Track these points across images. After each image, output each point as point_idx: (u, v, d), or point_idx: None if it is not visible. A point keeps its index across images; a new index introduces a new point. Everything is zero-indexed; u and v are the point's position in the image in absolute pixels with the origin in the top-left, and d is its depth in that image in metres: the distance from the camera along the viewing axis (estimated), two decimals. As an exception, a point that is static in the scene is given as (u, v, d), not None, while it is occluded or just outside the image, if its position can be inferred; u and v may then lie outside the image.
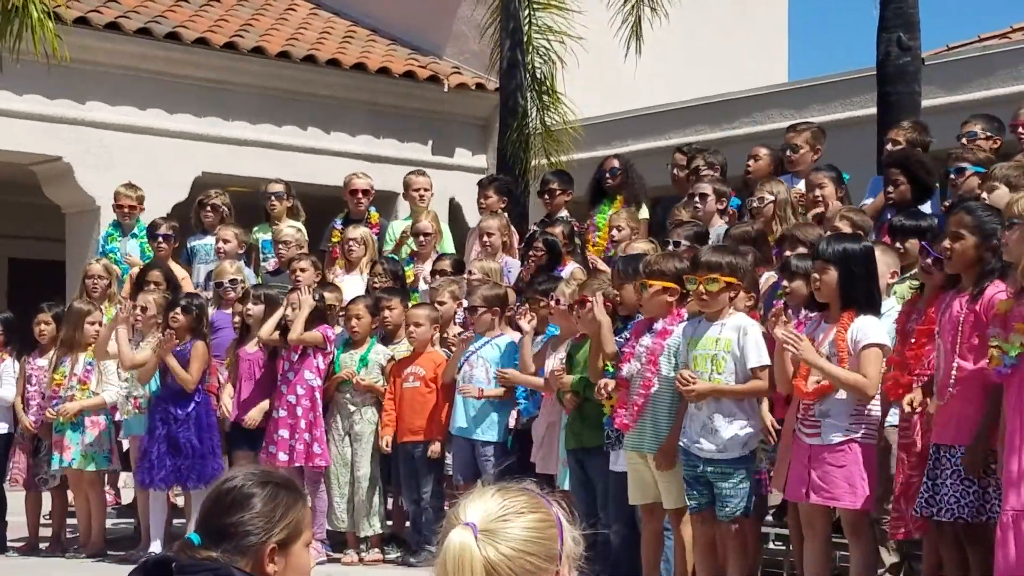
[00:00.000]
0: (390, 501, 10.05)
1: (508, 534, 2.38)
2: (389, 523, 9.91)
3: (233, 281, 10.41)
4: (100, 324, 10.14)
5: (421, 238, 11.00)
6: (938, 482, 6.20)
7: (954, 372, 6.19)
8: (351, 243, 10.88)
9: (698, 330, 7.14)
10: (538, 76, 14.40)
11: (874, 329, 6.57)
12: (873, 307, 6.64)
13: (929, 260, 6.64)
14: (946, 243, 6.33)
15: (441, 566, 2.37)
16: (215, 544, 2.95)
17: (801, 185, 9.50)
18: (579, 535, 2.49)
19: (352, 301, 9.80)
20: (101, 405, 10.06)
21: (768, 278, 8.26)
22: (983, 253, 6.23)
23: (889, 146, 9.36)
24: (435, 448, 9.29)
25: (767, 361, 6.95)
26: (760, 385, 6.98)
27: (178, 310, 9.71)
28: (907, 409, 6.49)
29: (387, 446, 9.42)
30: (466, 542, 2.36)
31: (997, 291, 6.10)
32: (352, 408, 9.62)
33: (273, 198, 11.69)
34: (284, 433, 9.56)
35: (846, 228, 7.76)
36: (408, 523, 9.68)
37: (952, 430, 6.21)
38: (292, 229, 11.26)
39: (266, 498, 3.00)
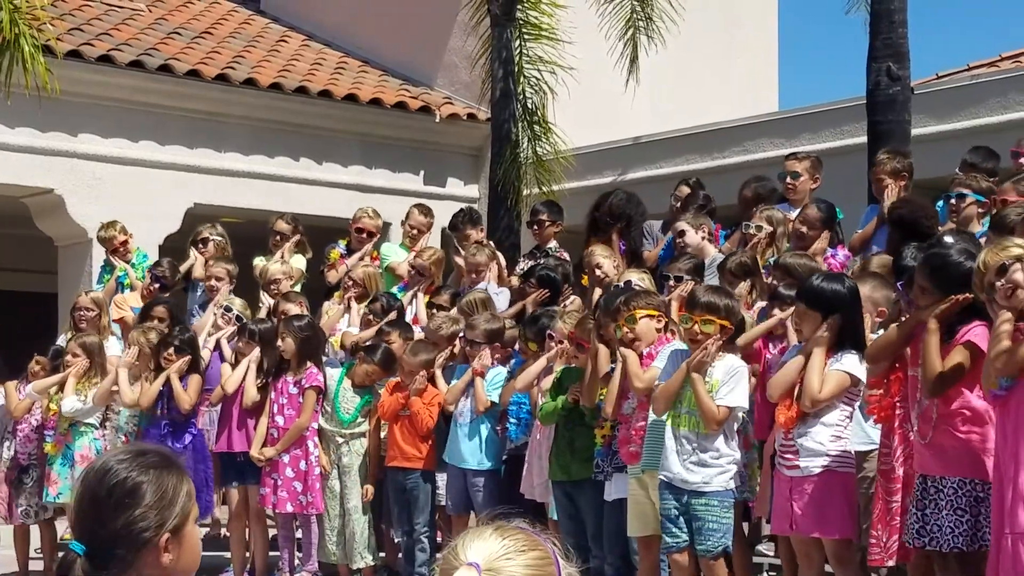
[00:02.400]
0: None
1: (511, 572, 2.40)
2: (382, 555, 9.87)
3: (239, 318, 10.39)
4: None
5: (414, 273, 10.93)
6: (927, 512, 6.20)
7: (936, 407, 6.18)
8: (350, 280, 10.86)
9: (681, 364, 7.13)
10: (529, 106, 14.44)
11: (848, 362, 6.61)
12: (859, 348, 6.64)
13: (905, 302, 6.70)
14: (915, 294, 6.39)
15: None
16: (104, 554, 2.64)
17: (795, 214, 9.51)
18: (575, 572, 2.51)
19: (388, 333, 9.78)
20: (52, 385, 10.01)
21: (758, 308, 8.29)
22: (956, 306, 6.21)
23: (875, 185, 9.31)
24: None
25: (737, 404, 6.96)
26: (714, 412, 6.88)
27: (171, 351, 9.70)
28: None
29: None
30: None
31: (972, 327, 6.10)
32: (340, 440, 9.60)
33: (278, 237, 11.68)
34: (290, 473, 9.52)
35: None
36: (400, 554, 9.64)
37: (940, 462, 6.21)
38: (277, 266, 11.20)
39: (154, 486, 2.69)
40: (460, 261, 10.91)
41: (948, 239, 6.79)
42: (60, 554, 2.68)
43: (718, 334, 6.96)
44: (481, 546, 2.43)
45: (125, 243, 11.78)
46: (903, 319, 6.66)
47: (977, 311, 6.11)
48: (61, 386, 10.06)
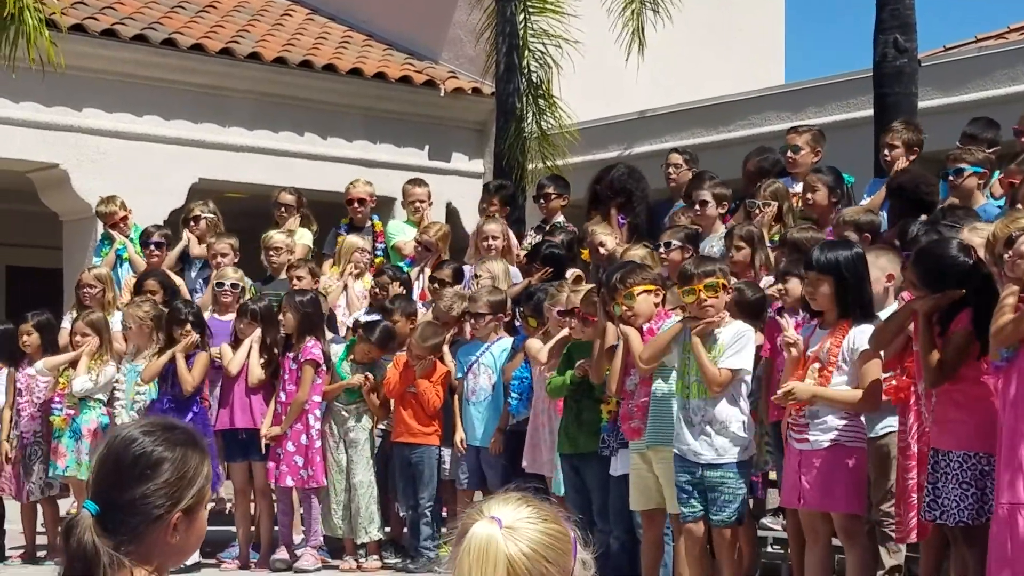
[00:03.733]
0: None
1: (531, 535, 2.40)
2: (387, 529, 9.89)
3: (235, 285, 10.39)
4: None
5: (420, 249, 10.94)
6: (938, 486, 6.21)
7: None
8: (355, 253, 10.84)
9: (688, 335, 7.12)
10: (534, 80, 14.40)
11: (864, 336, 6.57)
12: (868, 316, 6.63)
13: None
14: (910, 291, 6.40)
15: (464, 556, 2.37)
16: (115, 519, 2.65)
17: (799, 187, 9.50)
18: (590, 560, 2.50)
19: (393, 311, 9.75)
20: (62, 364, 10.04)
21: (768, 282, 8.28)
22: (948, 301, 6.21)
23: (886, 151, 9.32)
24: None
25: (738, 366, 6.96)
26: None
27: (187, 327, 9.69)
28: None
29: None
30: (492, 534, 2.37)
31: (965, 313, 6.13)
32: (347, 415, 9.60)
33: (283, 209, 11.66)
34: (291, 447, 9.52)
35: (851, 234, 7.76)
36: (406, 529, 9.66)
37: (947, 435, 6.22)
38: (281, 235, 11.20)
39: (176, 464, 2.69)
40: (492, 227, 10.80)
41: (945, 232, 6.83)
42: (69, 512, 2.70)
43: (724, 294, 6.97)
44: (506, 508, 2.44)
45: (124, 219, 11.76)
46: (897, 309, 6.69)
47: (969, 304, 6.13)
48: (72, 363, 10.08)
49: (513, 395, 8.97)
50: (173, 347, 9.66)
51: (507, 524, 2.39)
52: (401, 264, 11.10)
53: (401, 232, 11.70)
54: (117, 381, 10.07)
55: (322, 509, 9.62)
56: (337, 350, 9.77)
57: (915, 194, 8.39)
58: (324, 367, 9.63)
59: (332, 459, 9.58)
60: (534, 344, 8.68)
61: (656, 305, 7.48)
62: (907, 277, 6.43)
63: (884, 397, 6.70)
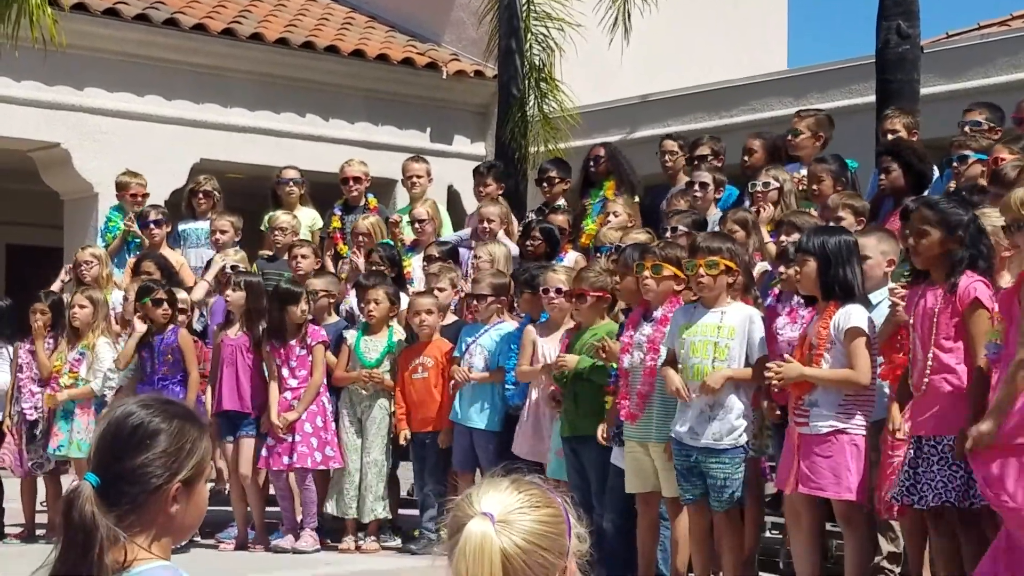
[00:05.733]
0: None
1: (524, 527, 2.38)
2: (402, 512, 9.92)
3: (234, 267, 10.39)
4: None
5: (417, 225, 10.98)
6: (919, 471, 6.23)
7: (930, 363, 6.24)
8: (360, 237, 10.85)
9: (693, 316, 7.15)
10: (536, 63, 14.39)
11: (857, 316, 6.58)
12: (852, 297, 6.64)
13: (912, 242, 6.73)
14: (911, 240, 6.38)
15: (460, 557, 2.35)
16: (115, 491, 2.69)
17: (804, 172, 9.50)
18: (584, 532, 2.50)
19: (372, 286, 9.75)
20: (89, 394, 10.03)
21: (762, 267, 8.29)
22: (950, 246, 6.27)
23: (889, 137, 9.35)
24: (443, 439, 9.29)
25: (766, 351, 7.04)
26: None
27: (166, 306, 9.70)
28: (891, 428, 6.54)
29: (405, 440, 9.44)
30: (487, 532, 2.35)
31: (971, 281, 6.16)
32: (364, 393, 9.59)
33: (291, 184, 11.66)
34: (308, 428, 9.52)
35: (848, 216, 7.80)
36: (417, 511, 9.68)
37: (933, 421, 6.24)
38: (287, 216, 11.23)
39: (174, 435, 2.74)
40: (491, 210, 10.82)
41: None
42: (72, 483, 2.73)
43: (725, 276, 7.00)
44: (497, 497, 2.42)
45: (139, 196, 11.71)
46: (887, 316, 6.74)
47: (972, 261, 6.18)
48: (69, 344, 10.12)
49: (508, 386, 8.98)
50: (150, 326, 9.67)
51: (500, 518, 2.38)
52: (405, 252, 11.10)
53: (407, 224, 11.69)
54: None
55: (335, 490, 9.61)
56: (352, 334, 9.74)
57: (912, 155, 8.45)
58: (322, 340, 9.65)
59: (348, 440, 9.58)
60: (526, 370, 8.65)
61: (676, 292, 7.47)
62: (915, 228, 6.38)
63: (878, 379, 6.72)
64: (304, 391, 9.50)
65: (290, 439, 9.47)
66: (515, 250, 10.30)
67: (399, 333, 9.68)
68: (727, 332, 7.01)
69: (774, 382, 6.74)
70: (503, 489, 2.44)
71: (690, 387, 7.07)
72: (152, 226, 11.22)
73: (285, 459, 9.48)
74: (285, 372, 9.58)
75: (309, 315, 9.62)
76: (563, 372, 8.06)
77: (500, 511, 2.39)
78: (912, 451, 6.31)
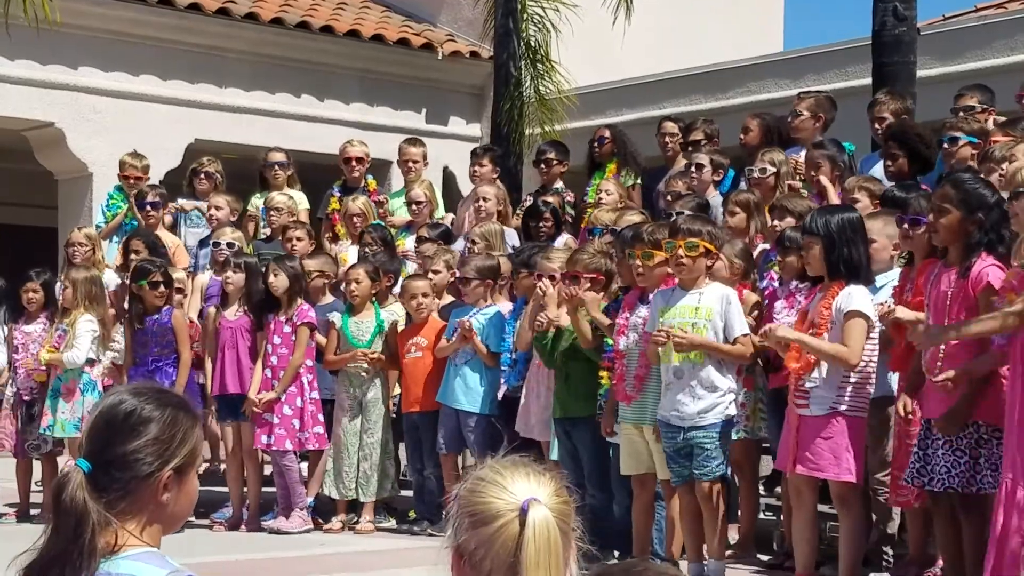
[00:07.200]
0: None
1: (564, 510, 2.41)
2: (404, 493, 9.92)
3: (230, 244, 10.38)
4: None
5: (414, 207, 10.98)
6: (928, 453, 6.22)
7: (942, 346, 6.18)
8: (354, 219, 10.84)
9: (672, 298, 7.16)
10: (532, 44, 14.34)
11: (859, 298, 6.57)
12: (858, 277, 6.63)
13: (906, 224, 6.69)
14: (930, 217, 6.33)
15: (529, 543, 2.33)
16: (106, 476, 2.71)
17: (803, 154, 9.47)
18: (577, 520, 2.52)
19: (352, 266, 9.74)
20: (59, 362, 9.92)
21: (762, 249, 8.28)
22: (968, 227, 6.17)
23: (876, 125, 9.29)
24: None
25: (747, 330, 7.06)
26: (744, 350, 7.07)
27: (161, 288, 9.67)
28: (901, 413, 6.52)
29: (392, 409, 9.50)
30: (548, 518, 2.36)
31: (985, 265, 6.09)
32: (364, 375, 9.58)
33: (276, 167, 11.65)
34: (287, 411, 9.51)
35: (864, 198, 7.77)
36: (412, 492, 9.69)
37: (943, 404, 6.21)
38: (284, 197, 11.23)
39: (166, 423, 2.76)
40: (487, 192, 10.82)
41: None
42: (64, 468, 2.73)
43: (705, 259, 7.01)
44: (535, 482, 2.42)
45: (139, 180, 11.69)
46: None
47: (991, 245, 6.11)
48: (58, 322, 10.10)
49: (504, 368, 8.97)
50: (141, 306, 9.67)
51: (546, 503, 2.38)
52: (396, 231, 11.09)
53: (400, 207, 11.67)
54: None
55: (334, 471, 9.60)
56: (339, 317, 9.72)
57: (917, 141, 8.43)
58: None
59: (347, 421, 9.56)
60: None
61: (670, 275, 7.45)
62: (935, 200, 6.33)
63: (881, 366, 6.72)
64: (284, 372, 9.47)
65: (269, 419, 9.45)
66: (512, 234, 10.29)
67: (390, 314, 9.65)
68: (704, 313, 7.03)
69: (769, 344, 6.79)
70: (532, 475, 2.43)
71: (669, 369, 7.07)
72: (148, 207, 11.19)
73: (264, 438, 9.48)
74: (269, 348, 9.55)
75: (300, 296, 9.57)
76: (545, 334, 8.05)
77: (544, 497, 2.39)
78: (922, 434, 6.30)
